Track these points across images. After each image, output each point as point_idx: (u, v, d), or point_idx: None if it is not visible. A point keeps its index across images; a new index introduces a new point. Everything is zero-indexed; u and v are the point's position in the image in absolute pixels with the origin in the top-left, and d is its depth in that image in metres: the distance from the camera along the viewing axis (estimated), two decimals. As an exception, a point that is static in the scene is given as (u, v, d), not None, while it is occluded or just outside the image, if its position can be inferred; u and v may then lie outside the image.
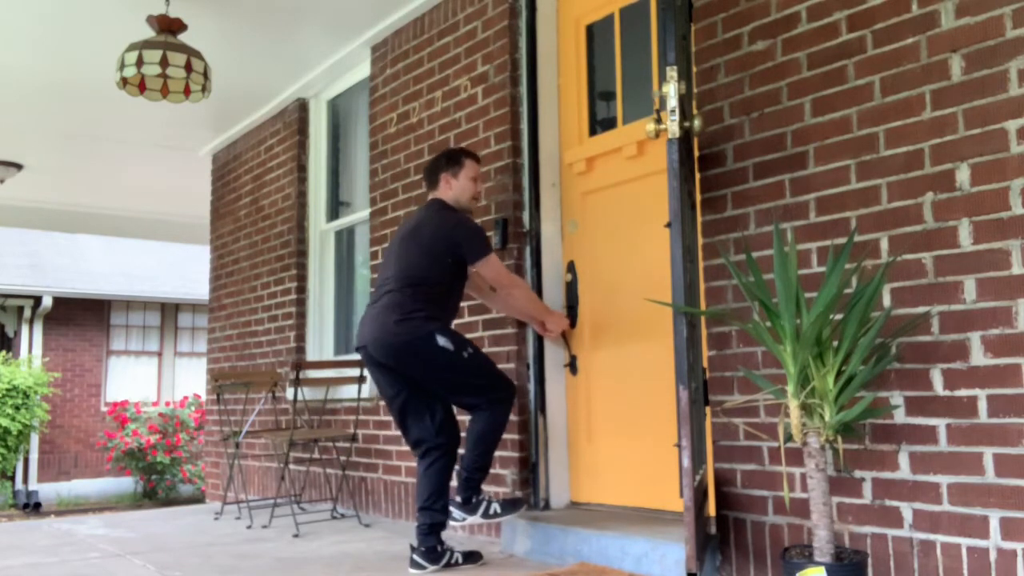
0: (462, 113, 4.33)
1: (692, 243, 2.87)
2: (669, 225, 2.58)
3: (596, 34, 4.01)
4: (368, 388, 4.83)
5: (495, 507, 3.39)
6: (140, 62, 4.11)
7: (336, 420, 5.16)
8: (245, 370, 6.25)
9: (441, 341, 3.27)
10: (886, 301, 2.59)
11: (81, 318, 14.21)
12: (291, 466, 5.45)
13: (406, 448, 3.99)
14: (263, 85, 5.83)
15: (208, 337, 7.01)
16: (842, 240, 2.70)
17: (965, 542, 2.37)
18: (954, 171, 2.47)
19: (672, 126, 2.59)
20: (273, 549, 3.95)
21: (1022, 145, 2.34)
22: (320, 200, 5.89)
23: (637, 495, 3.57)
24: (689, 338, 2.61)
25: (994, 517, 2.32)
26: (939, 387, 2.46)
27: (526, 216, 3.97)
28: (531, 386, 3.85)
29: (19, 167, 7.58)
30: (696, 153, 3.13)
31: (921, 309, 2.51)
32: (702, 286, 3.12)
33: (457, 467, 3.44)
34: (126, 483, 13.58)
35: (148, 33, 4.32)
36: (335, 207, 5.88)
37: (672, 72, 2.62)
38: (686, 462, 2.43)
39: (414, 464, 3.48)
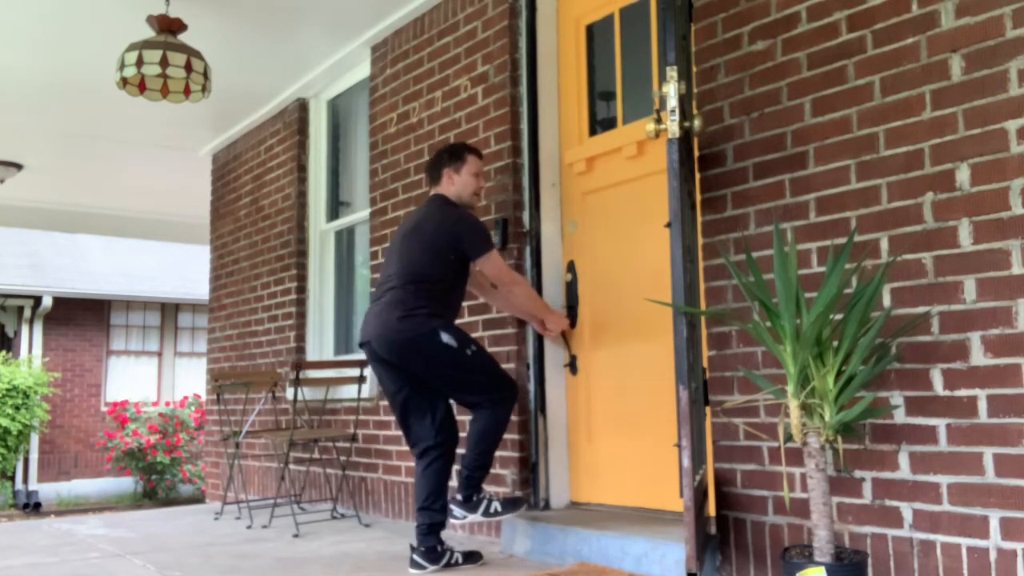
0: (462, 113, 4.33)
1: (692, 243, 2.87)
2: (669, 225, 2.58)
3: (596, 34, 4.01)
4: (368, 388, 4.83)
5: (496, 505, 3.39)
6: (140, 62, 4.11)
7: (336, 420, 5.16)
8: (245, 370, 6.25)
9: (445, 338, 3.27)
10: (886, 301, 2.59)
11: (81, 318, 14.22)
12: (291, 466, 5.45)
13: (406, 448, 3.99)
14: (263, 85, 5.83)
15: (208, 337, 7.01)
16: (842, 240, 2.70)
17: (965, 542, 2.37)
18: (954, 171, 2.47)
19: (672, 126, 2.59)
20: (273, 549, 3.95)
21: (1022, 145, 2.34)
22: (320, 200, 5.89)
23: (637, 495, 3.57)
24: (689, 338, 2.61)
25: (994, 517, 2.32)
26: (939, 387, 2.46)
27: (526, 216, 3.97)
28: (531, 386, 3.85)
29: (19, 167, 7.58)
30: (696, 153, 3.13)
31: (921, 309, 2.51)
32: (702, 286, 3.12)
33: (458, 466, 3.44)
34: (126, 483, 13.59)
35: (148, 33, 4.32)
36: (335, 207, 5.88)
37: (672, 72, 2.62)
38: (686, 462, 2.43)
39: (414, 464, 3.48)
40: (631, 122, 3.73)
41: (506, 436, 3.63)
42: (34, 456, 13.24)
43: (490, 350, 3.92)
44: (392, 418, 4.54)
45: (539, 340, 3.88)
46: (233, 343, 6.54)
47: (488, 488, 3.62)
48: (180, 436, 13.00)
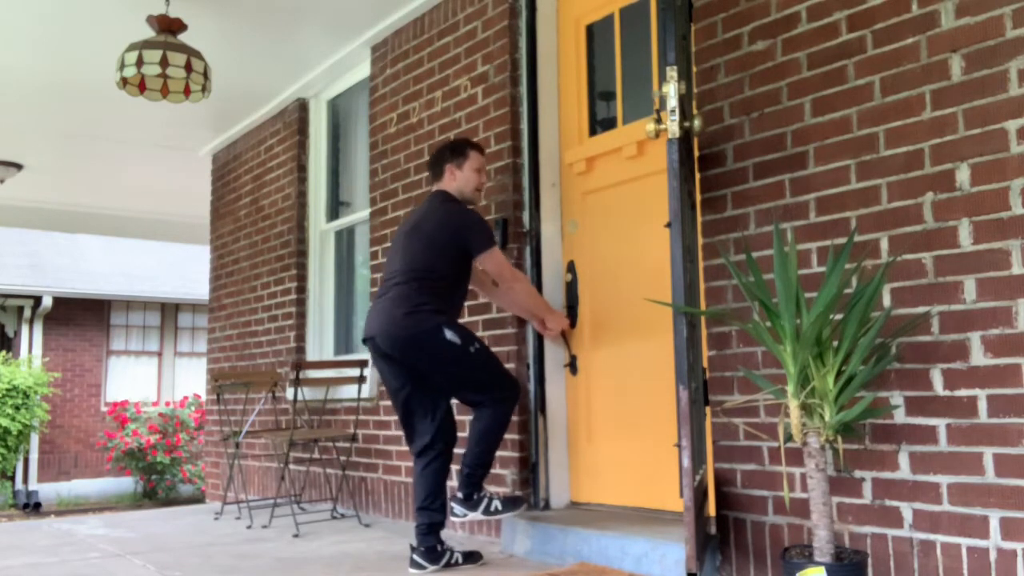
0: (462, 113, 4.33)
1: (692, 243, 2.87)
2: (669, 225, 2.58)
3: (596, 34, 4.01)
4: (368, 388, 4.83)
5: (496, 504, 3.39)
6: (140, 62, 4.11)
7: (336, 420, 5.16)
8: (245, 370, 6.25)
9: (448, 335, 3.27)
10: (886, 301, 2.59)
11: (81, 318, 14.22)
12: (291, 466, 5.45)
13: (406, 448, 3.99)
14: (263, 85, 5.83)
15: (208, 337, 7.02)
16: (842, 240, 2.70)
17: (965, 542, 2.37)
18: (954, 171, 2.47)
19: (672, 126, 2.59)
20: (273, 549, 3.95)
21: (1022, 145, 2.34)
22: (320, 200, 5.89)
23: (637, 495, 3.57)
24: (689, 338, 2.61)
25: (994, 517, 2.32)
26: (939, 387, 2.46)
27: (526, 216, 3.97)
28: (531, 386, 3.85)
29: (19, 167, 7.58)
30: (696, 153, 3.13)
31: (921, 309, 2.51)
32: (702, 286, 3.12)
33: (458, 464, 3.44)
34: (126, 483, 13.59)
35: (148, 33, 4.32)
36: (335, 207, 5.88)
37: (672, 72, 2.62)
38: (686, 462, 2.43)
39: (413, 464, 3.48)
40: (631, 122, 3.73)
41: (506, 436, 3.63)
42: (34, 456, 13.25)
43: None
44: (392, 418, 4.55)
45: (539, 340, 3.89)
46: (233, 343, 6.54)
47: (488, 487, 3.62)
48: (180, 436, 13.00)
